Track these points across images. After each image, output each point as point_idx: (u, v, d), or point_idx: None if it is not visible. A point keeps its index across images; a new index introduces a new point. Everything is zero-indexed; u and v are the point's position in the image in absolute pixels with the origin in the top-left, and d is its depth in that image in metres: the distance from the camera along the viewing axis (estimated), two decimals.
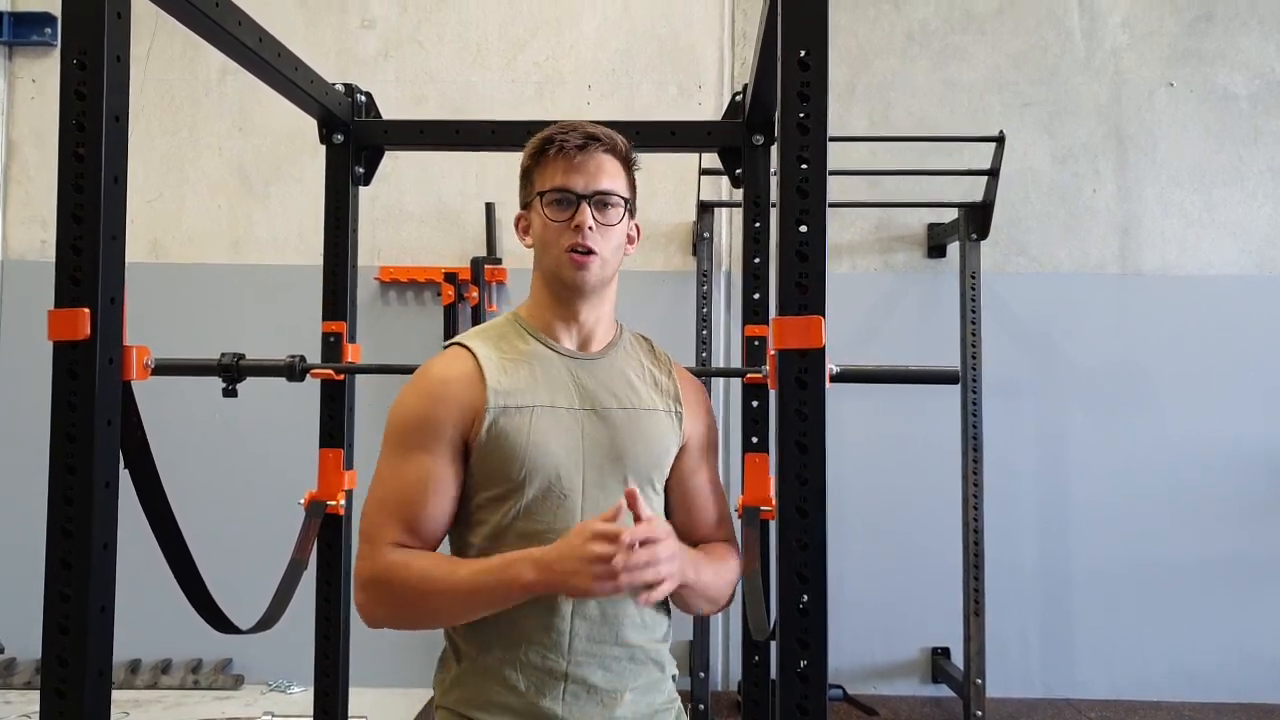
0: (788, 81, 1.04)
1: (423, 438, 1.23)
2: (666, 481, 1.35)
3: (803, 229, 1.03)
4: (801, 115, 1.04)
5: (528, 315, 1.34)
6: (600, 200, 1.27)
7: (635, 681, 1.26)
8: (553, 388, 1.27)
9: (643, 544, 1.08)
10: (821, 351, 1.02)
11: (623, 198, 1.30)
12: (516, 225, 1.37)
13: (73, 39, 1.17)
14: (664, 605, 1.32)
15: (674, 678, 1.35)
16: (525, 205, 1.34)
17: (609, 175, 1.29)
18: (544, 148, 1.29)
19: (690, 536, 1.36)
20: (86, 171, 1.17)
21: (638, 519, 1.11)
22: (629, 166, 1.33)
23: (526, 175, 1.34)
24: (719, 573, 1.30)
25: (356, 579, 1.22)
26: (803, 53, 1.04)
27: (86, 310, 1.16)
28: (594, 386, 1.29)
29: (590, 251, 1.25)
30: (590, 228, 1.25)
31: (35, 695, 3.05)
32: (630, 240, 1.34)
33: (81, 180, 1.17)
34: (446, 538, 1.30)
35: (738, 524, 1.58)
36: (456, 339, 1.33)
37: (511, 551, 1.17)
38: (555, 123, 1.33)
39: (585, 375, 1.30)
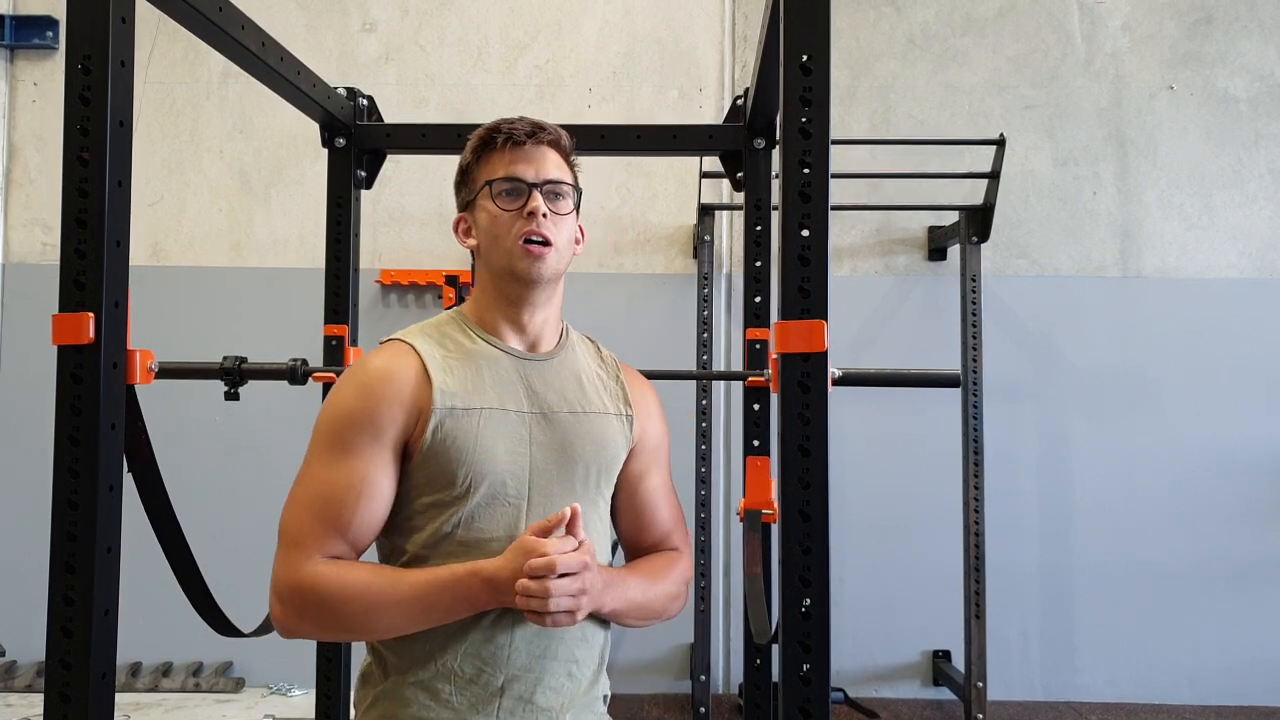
0: (789, 86, 1.04)
1: (359, 437, 1.14)
2: (615, 485, 1.30)
3: (804, 233, 1.03)
4: (803, 120, 1.04)
5: (473, 314, 1.28)
6: (551, 190, 1.23)
7: (573, 700, 1.20)
8: (501, 389, 1.21)
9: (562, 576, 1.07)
10: (824, 355, 1.02)
11: (572, 186, 1.27)
12: (456, 229, 1.30)
13: (77, 44, 1.17)
14: (601, 620, 1.24)
15: (605, 698, 1.29)
16: (466, 205, 1.28)
17: (557, 165, 1.26)
18: (490, 138, 1.25)
19: (639, 541, 1.33)
20: (91, 176, 1.17)
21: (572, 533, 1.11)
22: (571, 164, 1.30)
23: (466, 173, 1.28)
24: (655, 589, 1.25)
25: (275, 587, 1.11)
26: (804, 57, 1.04)
27: (91, 315, 1.16)
28: (543, 389, 1.24)
29: (546, 242, 1.20)
30: (544, 215, 1.20)
31: (36, 698, 3.05)
32: (576, 240, 1.30)
33: (86, 185, 1.17)
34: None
35: (738, 528, 1.56)
36: (395, 334, 1.24)
37: (457, 564, 1.12)
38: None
39: (535, 377, 1.24)
